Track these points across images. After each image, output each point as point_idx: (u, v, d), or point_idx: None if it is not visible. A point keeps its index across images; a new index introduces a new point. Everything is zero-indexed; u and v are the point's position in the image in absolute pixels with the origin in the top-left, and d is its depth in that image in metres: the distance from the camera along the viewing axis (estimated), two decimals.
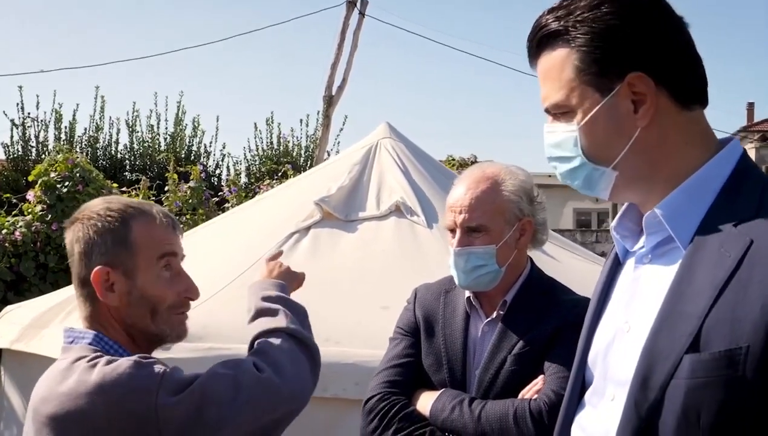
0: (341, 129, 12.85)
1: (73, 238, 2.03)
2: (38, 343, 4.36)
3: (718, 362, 1.31)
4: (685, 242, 1.45)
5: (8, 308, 5.46)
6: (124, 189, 9.62)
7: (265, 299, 2.29)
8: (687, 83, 1.51)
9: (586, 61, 1.48)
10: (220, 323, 3.75)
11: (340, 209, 4.52)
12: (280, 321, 2.19)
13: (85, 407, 1.82)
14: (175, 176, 9.90)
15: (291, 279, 2.49)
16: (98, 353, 1.93)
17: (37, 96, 12.69)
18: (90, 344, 1.98)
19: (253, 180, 12.23)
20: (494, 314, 2.53)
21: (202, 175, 10.18)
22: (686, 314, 1.37)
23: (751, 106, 39.10)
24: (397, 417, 2.47)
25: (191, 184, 9.92)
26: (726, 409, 1.31)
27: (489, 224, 2.48)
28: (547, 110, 1.58)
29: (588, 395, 1.63)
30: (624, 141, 1.49)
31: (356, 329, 3.70)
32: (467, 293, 2.58)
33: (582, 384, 1.66)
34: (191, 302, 2.10)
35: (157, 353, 3.44)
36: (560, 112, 1.54)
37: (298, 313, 2.26)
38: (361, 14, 11.12)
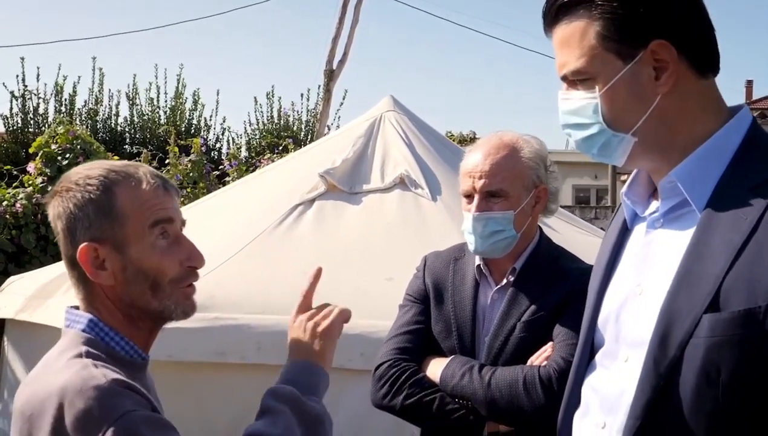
0: (342, 103, 12.83)
1: (55, 214, 1.80)
2: (43, 313, 4.39)
3: (736, 321, 1.35)
4: (701, 206, 1.48)
5: (11, 278, 5.49)
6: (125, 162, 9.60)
7: (275, 395, 1.90)
8: (705, 51, 1.54)
9: (609, 29, 1.50)
10: (226, 294, 3.78)
11: (345, 182, 4.54)
12: (273, 430, 1.82)
13: (45, 407, 1.62)
14: (176, 149, 9.89)
15: (329, 340, 2.02)
16: (87, 347, 1.72)
17: (38, 68, 12.67)
18: (83, 330, 1.77)
19: (253, 154, 12.22)
20: (504, 281, 2.55)
21: (202, 148, 10.17)
22: (705, 274, 1.40)
23: (749, 84, 39.09)
24: (407, 383, 2.48)
25: (192, 157, 9.91)
26: (745, 366, 1.35)
27: (509, 189, 2.49)
28: (564, 77, 1.58)
29: (599, 357, 1.65)
30: (645, 107, 1.52)
31: (361, 300, 3.73)
32: (477, 261, 2.60)
33: (591, 347, 1.69)
34: (198, 272, 1.85)
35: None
36: (580, 79, 1.56)
37: (307, 420, 1.87)
38: None
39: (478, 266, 2.59)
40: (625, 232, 1.70)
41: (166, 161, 9.90)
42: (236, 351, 3.57)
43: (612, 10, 1.49)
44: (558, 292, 2.45)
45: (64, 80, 12.61)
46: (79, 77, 12.98)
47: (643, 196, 1.65)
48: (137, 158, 9.80)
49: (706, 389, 1.38)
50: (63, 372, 1.65)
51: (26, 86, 12.53)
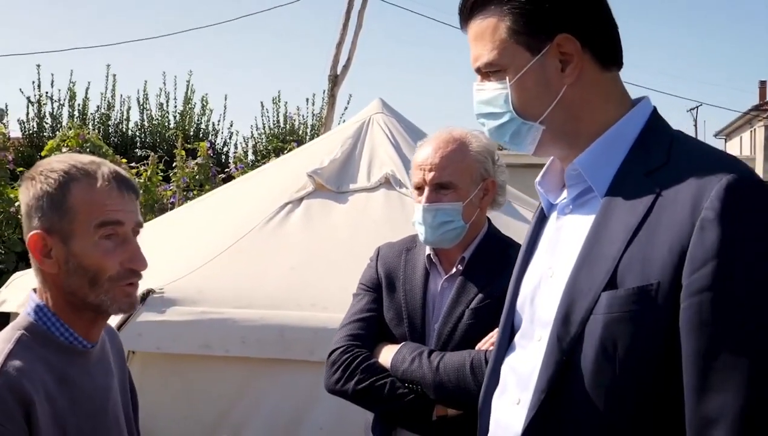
0: (346, 107, 13.02)
1: (21, 200, 1.93)
2: None
3: (631, 298, 1.44)
4: (602, 192, 1.58)
5: (16, 274, 5.65)
6: (133, 164, 9.78)
7: None
8: (607, 46, 1.64)
9: (518, 23, 1.60)
10: (214, 288, 3.91)
11: (332, 181, 4.65)
12: None
13: None
14: (183, 153, 10.06)
15: None
16: (23, 331, 1.85)
17: (52, 74, 12.89)
18: (29, 313, 1.89)
19: (259, 157, 12.39)
20: (453, 270, 2.65)
21: (209, 152, 10.34)
22: (603, 255, 1.50)
23: (763, 85, 38.97)
24: (359, 369, 2.58)
25: (198, 160, 10.09)
26: (638, 340, 1.44)
27: (457, 182, 2.60)
28: (478, 70, 1.68)
29: (517, 338, 1.75)
30: (551, 97, 1.61)
31: (344, 295, 3.83)
32: (428, 251, 2.70)
33: (512, 329, 1.78)
34: (141, 273, 1.93)
35: (151, 315, 3.65)
36: (492, 70, 1.65)
37: None
38: None
39: (429, 255, 2.70)
40: (543, 220, 1.80)
41: (174, 164, 10.07)
42: (221, 344, 3.69)
43: (520, 6, 1.60)
44: (505, 280, 2.53)
45: (74, 85, 12.83)
46: (89, 83, 13.24)
47: (557, 185, 1.74)
48: (145, 161, 9.96)
49: (604, 362, 1.46)
50: None
51: (46, 93, 12.73)
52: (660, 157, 1.55)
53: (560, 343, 1.52)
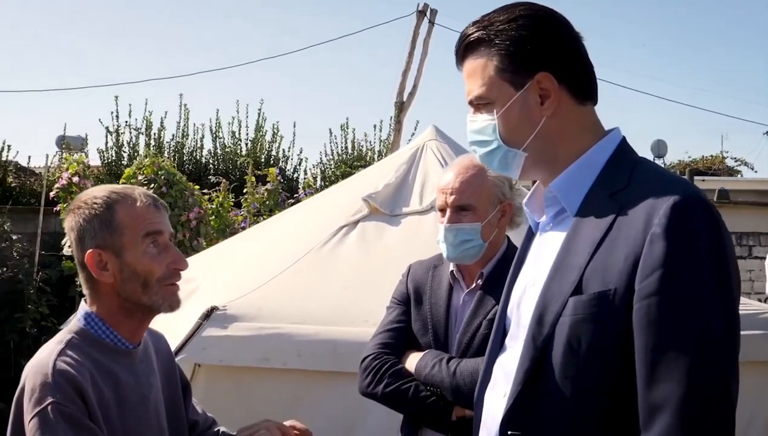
0: (413, 133, 13.19)
1: (69, 227, 2.23)
2: None
3: (593, 302, 1.67)
4: (574, 211, 1.81)
5: None
6: (205, 191, 10.15)
7: None
8: (582, 83, 1.87)
9: (504, 62, 1.84)
10: (272, 306, 4.15)
11: (386, 205, 4.88)
12: None
13: (25, 375, 2.08)
14: (253, 179, 10.40)
15: None
16: (74, 334, 2.16)
17: (129, 105, 13.41)
18: (79, 320, 2.21)
19: (327, 183, 12.70)
20: (473, 285, 2.90)
21: (279, 178, 10.67)
22: (572, 265, 1.73)
23: None
24: (387, 374, 2.86)
25: (268, 186, 10.42)
26: (599, 337, 1.66)
27: (476, 204, 2.84)
28: (471, 102, 1.92)
29: (507, 340, 1.97)
30: (532, 128, 1.84)
31: None
32: (451, 267, 2.95)
33: (504, 333, 2.00)
34: (181, 273, 2.25)
35: (215, 331, 3.92)
36: (482, 103, 1.89)
37: None
38: (431, 23, 11.49)
39: (452, 271, 2.94)
40: (531, 236, 2.03)
41: (244, 190, 10.42)
42: (279, 357, 3.93)
43: (506, 47, 1.83)
44: None
45: (150, 115, 13.31)
46: (165, 112, 13.68)
47: (540, 207, 1.96)
48: (217, 188, 10.33)
49: (571, 358, 1.68)
50: (42, 352, 2.13)
51: (126, 122, 13.21)
52: (622, 180, 1.77)
53: (534, 342, 1.75)
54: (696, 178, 14.56)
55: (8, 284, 9.31)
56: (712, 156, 26.15)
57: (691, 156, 26.17)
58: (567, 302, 1.70)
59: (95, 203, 2.19)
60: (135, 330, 2.26)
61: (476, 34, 1.88)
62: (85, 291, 2.24)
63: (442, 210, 2.91)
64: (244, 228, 9.52)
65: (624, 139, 1.89)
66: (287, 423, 2.45)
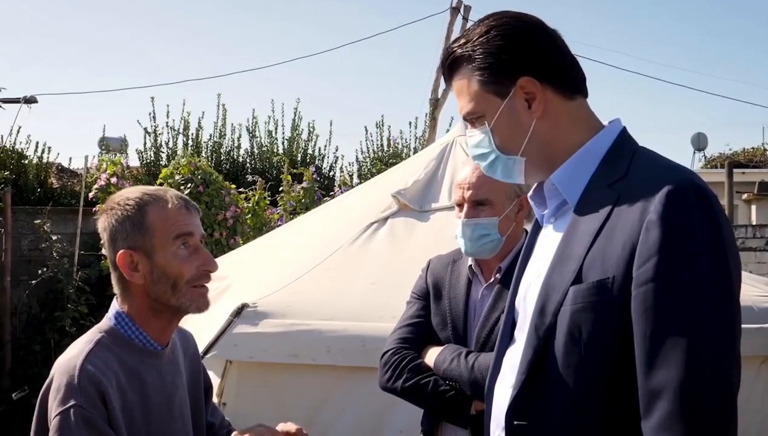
0: (447, 130, 13.08)
1: (102, 227, 2.25)
2: None
3: (592, 290, 1.69)
4: (575, 202, 1.83)
5: None
6: (241, 190, 10.25)
7: None
8: (566, 79, 1.89)
9: (485, 75, 1.88)
10: (302, 302, 4.19)
11: (415, 201, 4.90)
12: None
13: (53, 371, 2.12)
14: (289, 178, 10.47)
15: None
16: (104, 333, 2.19)
17: (167, 106, 13.53)
18: (110, 319, 2.24)
19: (363, 181, 12.73)
20: (491, 279, 2.90)
21: (314, 176, 10.74)
22: (572, 255, 1.75)
23: None
24: (407, 368, 2.87)
25: (304, 184, 10.49)
26: (599, 325, 1.68)
27: (493, 199, 2.86)
28: (465, 118, 1.97)
29: (515, 333, 1.99)
30: (524, 132, 1.87)
31: None
32: (470, 262, 2.95)
33: (513, 325, 2.03)
34: (211, 275, 2.27)
35: (246, 328, 3.97)
36: (474, 117, 1.93)
37: None
38: (465, 19, 11.44)
39: (470, 266, 2.95)
40: (538, 229, 2.05)
41: (280, 189, 10.49)
42: (308, 353, 3.97)
43: (484, 61, 1.87)
44: None
45: (188, 115, 13.41)
46: (203, 112, 13.80)
47: (544, 200, 1.97)
48: (254, 186, 10.42)
49: (571, 346, 1.71)
50: (72, 350, 2.17)
51: (166, 123, 13.37)
52: (621, 170, 1.79)
53: (537, 332, 1.78)
54: (735, 170, 14.32)
55: (48, 284, 9.50)
56: (753, 148, 25.84)
57: (732, 148, 25.86)
58: (568, 292, 1.73)
59: (127, 205, 2.22)
60: (163, 330, 2.29)
61: (458, 52, 1.93)
62: (116, 291, 2.28)
63: (460, 205, 2.92)
64: (280, 226, 9.60)
65: (624, 129, 1.90)
66: (280, 427, 2.46)
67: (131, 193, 2.26)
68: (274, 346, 3.99)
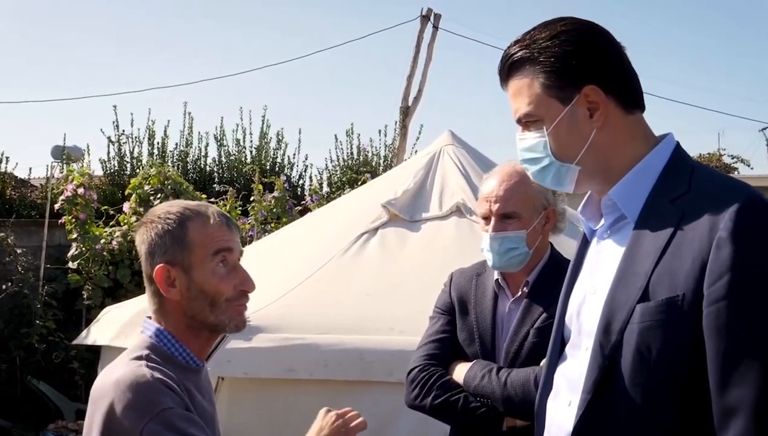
0: (417, 138, 13.04)
1: (140, 240, 2.20)
2: (137, 339, 4.80)
3: (661, 308, 1.65)
4: (634, 218, 1.79)
5: (106, 309, 5.94)
6: (212, 199, 10.09)
7: None
8: (629, 92, 1.86)
9: (550, 79, 1.83)
10: (295, 316, 4.12)
11: (406, 211, 4.86)
12: None
13: (104, 394, 2.00)
14: (260, 187, 10.34)
15: None
16: (148, 351, 2.10)
17: (131, 114, 13.29)
18: (150, 336, 2.16)
19: (334, 189, 12.62)
20: (519, 293, 2.84)
21: (285, 185, 10.62)
22: (636, 272, 1.71)
23: None
24: (435, 385, 2.80)
25: (275, 194, 10.35)
26: (668, 343, 1.64)
27: (520, 212, 2.80)
28: (519, 121, 1.91)
29: (567, 348, 1.94)
30: (583, 141, 1.83)
31: (418, 319, 4.01)
32: (496, 275, 2.89)
33: (562, 342, 1.98)
34: (249, 294, 2.20)
35: (239, 343, 3.87)
36: (531, 121, 1.88)
37: None
38: (435, 28, 11.42)
39: (497, 280, 2.89)
40: (586, 244, 2.00)
41: (251, 198, 10.36)
42: (305, 368, 3.89)
43: (551, 64, 1.82)
44: None
45: (153, 124, 13.20)
46: (168, 121, 13.55)
47: (595, 214, 1.94)
48: (224, 196, 10.28)
49: (640, 365, 1.66)
50: (123, 368, 2.06)
51: (124, 132, 13.15)
52: (683, 186, 1.76)
53: (602, 350, 1.73)
54: None
55: (13, 299, 9.21)
56: (709, 154, 26.21)
57: (689, 153, 26.19)
58: (634, 309, 1.69)
59: (168, 218, 2.17)
60: (202, 348, 2.23)
61: (520, 53, 1.88)
62: (151, 307, 2.22)
63: (486, 218, 2.86)
64: (251, 237, 9.48)
65: (678, 144, 1.87)
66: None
67: (173, 207, 2.21)
68: (270, 361, 3.92)
